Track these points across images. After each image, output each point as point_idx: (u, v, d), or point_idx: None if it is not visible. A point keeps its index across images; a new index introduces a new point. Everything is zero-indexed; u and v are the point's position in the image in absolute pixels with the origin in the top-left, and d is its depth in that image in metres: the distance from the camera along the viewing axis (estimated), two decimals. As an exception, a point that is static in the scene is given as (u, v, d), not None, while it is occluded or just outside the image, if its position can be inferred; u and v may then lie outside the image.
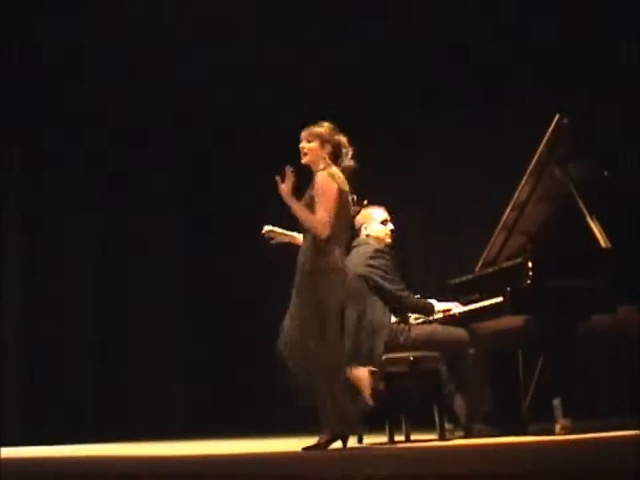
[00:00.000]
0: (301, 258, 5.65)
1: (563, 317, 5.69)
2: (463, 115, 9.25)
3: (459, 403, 6.17)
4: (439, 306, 6.30)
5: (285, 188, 5.58)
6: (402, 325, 6.16)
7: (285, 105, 10.05)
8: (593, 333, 5.82)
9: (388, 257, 6.27)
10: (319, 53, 9.62)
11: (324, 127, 5.79)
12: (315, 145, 5.75)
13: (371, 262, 6.21)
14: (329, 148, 5.76)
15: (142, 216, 11.37)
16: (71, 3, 9.19)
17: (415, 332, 6.15)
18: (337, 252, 5.60)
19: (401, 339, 6.10)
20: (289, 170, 5.57)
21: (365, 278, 6.18)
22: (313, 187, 5.68)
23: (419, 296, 6.32)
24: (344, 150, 5.80)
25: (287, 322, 5.63)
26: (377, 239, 6.40)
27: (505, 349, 6.31)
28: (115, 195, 11.35)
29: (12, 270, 10.37)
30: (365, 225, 6.43)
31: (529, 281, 5.73)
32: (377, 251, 6.28)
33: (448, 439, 5.99)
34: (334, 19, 9.36)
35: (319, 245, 5.59)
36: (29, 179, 10.49)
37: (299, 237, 5.87)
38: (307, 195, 5.71)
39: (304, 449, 5.49)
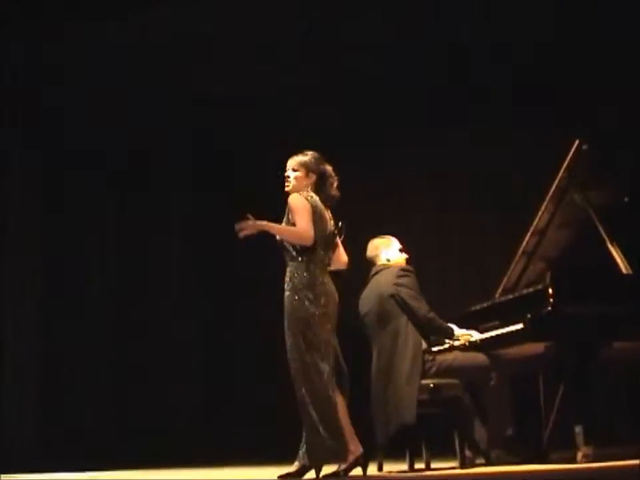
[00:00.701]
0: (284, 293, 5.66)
1: (583, 343, 5.66)
2: (484, 136, 9.24)
3: (479, 430, 6.14)
4: (458, 331, 6.27)
5: (251, 223, 5.58)
6: (426, 355, 6.14)
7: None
8: (614, 360, 5.79)
9: (413, 276, 6.25)
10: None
11: (309, 157, 5.81)
12: (299, 174, 5.78)
13: (399, 280, 6.19)
14: (313, 177, 5.79)
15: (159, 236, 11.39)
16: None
17: (438, 360, 6.12)
18: (318, 271, 5.61)
19: (425, 368, 6.08)
20: (248, 217, 5.59)
21: (394, 297, 6.16)
22: (288, 215, 5.70)
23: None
24: (329, 180, 5.83)
25: None
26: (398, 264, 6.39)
27: (525, 376, 6.27)
28: (130, 215, 11.35)
29: (29, 291, 10.44)
30: (384, 251, 6.40)
31: (549, 308, 5.70)
32: (403, 269, 6.27)
33: (468, 467, 5.94)
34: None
35: (297, 264, 5.61)
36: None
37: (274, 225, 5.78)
38: (283, 223, 5.73)
39: (280, 476, 5.54)
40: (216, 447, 9.94)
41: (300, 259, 5.62)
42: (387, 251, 6.42)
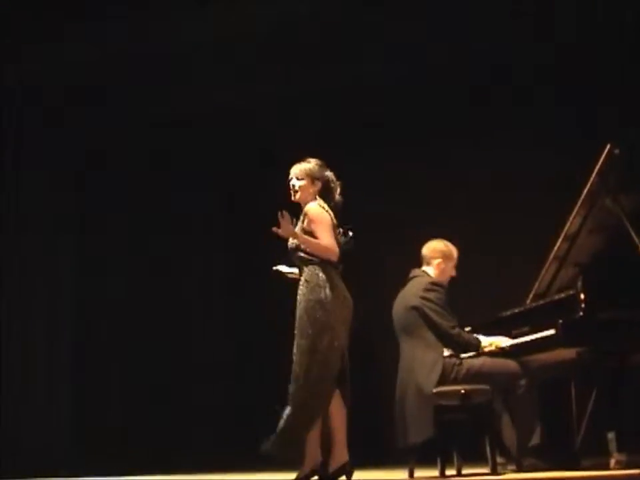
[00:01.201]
0: (299, 293, 5.66)
1: (615, 349, 5.64)
2: (513, 139, 9.20)
3: (510, 436, 6.10)
4: (485, 341, 6.24)
5: (287, 226, 5.56)
6: (453, 360, 6.13)
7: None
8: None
9: (442, 291, 6.26)
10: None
11: (312, 164, 5.82)
12: (305, 182, 5.78)
13: (425, 294, 6.20)
14: (318, 185, 5.80)
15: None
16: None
17: (466, 366, 6.10)
18: (335, 275, 5.63)
19: (453, 374, 6.06)
20: (284, 214, 5.56)
21: (417, 310, 6.17)
22: (303, 221, 5.71)
23: (468, 329, 6.30)
24: (332, 185, 5.84)
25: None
26: (439, 275, 6.40)
27: (557, 382, 6.24)
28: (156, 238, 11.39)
29: (62, 292, 10.52)
30: (440, 259, 6.41)
31: (581, 313, 5.68)
32: (432, 283, 6.27)
33: (500, 473, 5.92)
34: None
35: (314, 267, 5.62)
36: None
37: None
38: (297, 229, 5.71)
39: None
40: (243, 451, 9.93)
41: (317, 262, 5.64)
42: (443, 262, 6.42)
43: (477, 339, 6.23)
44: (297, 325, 5.60)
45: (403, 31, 9.13)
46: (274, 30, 9.22)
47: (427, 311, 6.15)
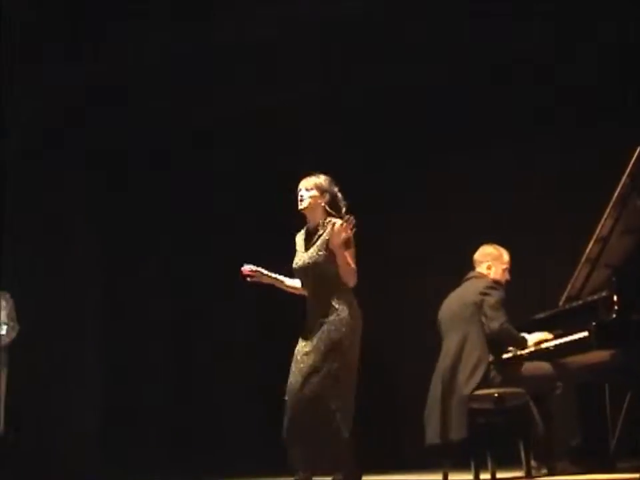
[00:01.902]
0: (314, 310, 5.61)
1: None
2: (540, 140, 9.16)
3: (545, 440, 6.09)
4: (531, 339, 6.25)
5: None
6: (494, 366, 6.13)
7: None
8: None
9: (502, 290, 6.31)
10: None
11: (322, 178, 5.79)
12: (315, 193, 5.75)
13: (485, 290, 6.24)
14: (327, 197, 5.74)
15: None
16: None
17: (505, 370, 6.12)
18: (354, 301, 5.58)
19: (490, 378, 6.07)
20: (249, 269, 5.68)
21: (476, 305, 6.21)
22: (326, 232, 5.61)
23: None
24: (339, 202, 5.78)
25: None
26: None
27: (591, 384, 6.21)
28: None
29: (91, 294, 10.60)
30: (491, 262, 6.45)
31: (614, 315, 5.66)
32: (494, 281, 6.36)
33: (534, 477, 5.91)
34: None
35: (335, 297, 5.55)
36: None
37: (284, 280, 5.83)
38: (318, 241, 5.65)
39: None
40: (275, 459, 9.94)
41: (336, 283, 5.57)
42: (493, 265, 6.46)
43: (524, 338, 6.24)
44: (314, 347, 5.50)
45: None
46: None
47: (485, 306, 6.18)
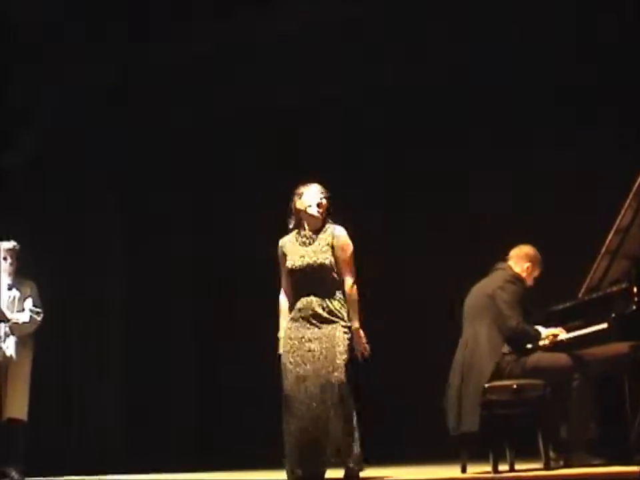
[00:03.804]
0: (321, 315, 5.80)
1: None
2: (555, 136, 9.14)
3: (563, 431, 6.07)
4: (544, 332, 6.24)
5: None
6: (509, 357, 6.11)
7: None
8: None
9: (521, 286, 6.28)
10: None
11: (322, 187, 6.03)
12: (326, 202, 5.99)
13: (503, 284, 6.24)
14: (329, 203, 6.02)
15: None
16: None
17: (522, 362, 6.09)
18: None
19: (507, 370, 6.06)
20: None
21: (491, 298, 6.20)
22: (328, 237, 5.91)
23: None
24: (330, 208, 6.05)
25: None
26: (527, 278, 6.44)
27: (610, 376, 6.18)
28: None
29: (113, 293, 10.65)
30: (526, 263, 6.45)
31: (633, 307, 5.63)
32: (513, 276, 6.33)
33: (553, 468, 5.89)
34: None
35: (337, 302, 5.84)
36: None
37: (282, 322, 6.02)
38: (320, 243, 5.91)
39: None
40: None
41: (338, 289, 5.88)
42: (530, 266, 6.45)
43: (537, 330, 6.23)
44: (323, 349, 5.74)
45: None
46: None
47: (499, 301, 6.17)
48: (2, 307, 7.93)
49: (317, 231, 5.97)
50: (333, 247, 5.88)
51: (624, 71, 8.53)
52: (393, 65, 9.76)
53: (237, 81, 10.28)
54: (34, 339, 8.20)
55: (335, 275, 5.88)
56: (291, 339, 5.82)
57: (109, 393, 10.41)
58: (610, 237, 6.23)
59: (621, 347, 5.82)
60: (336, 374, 5.65)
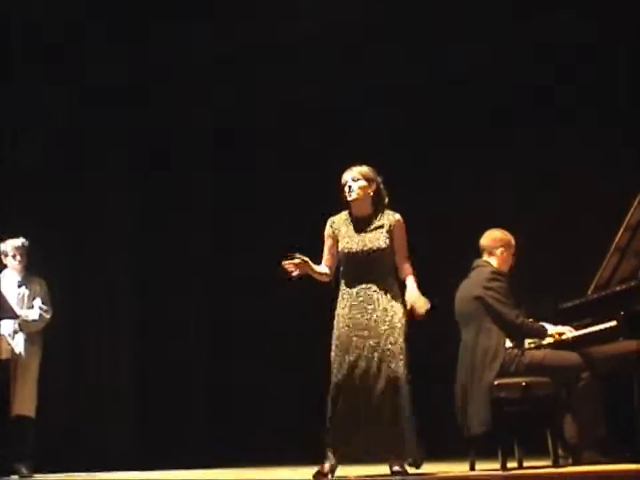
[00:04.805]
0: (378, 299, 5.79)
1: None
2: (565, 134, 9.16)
3: (571, 429, 6.06)
4: (551, 329, 6.20)
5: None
6: (515, 351, 6.09)
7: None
8: None
9: (505, 280, 6.23)
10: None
11: (367, 167, 5.94)
12: (364, 183, 5.89)
13: (487, 284, 6.17)
14: (373, 187, 5.91)
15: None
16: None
17: (527, 358, 6.06)
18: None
19: (513, 366, 6.03)
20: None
21: (481, 300, 6.15)
22: (387, 223, 5.87)
23: (531, 320, 6.25)
24: (383, 192, 5.97)
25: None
26: (501, 265, 6.37)
27: (619, 374, 6.16)
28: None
29: (121, 289, 10.69)
30: (501, 249, 6.38)
31: (643, 305, 5.63)
32: (494, 272, 6.24)
33: (562, 466, 5.88)
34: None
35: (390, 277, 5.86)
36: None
37: (315, 267, 5.91)
38: (378, 229, 5.88)
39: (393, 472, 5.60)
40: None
41: (391, 274, 5.87)
42: (506, 251, 6.40)
43: (543, 326, 6.19)
44: (381, 331, 5.73)
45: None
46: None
47: (490, 300, 6.12)
48: (11, 304, 7.94)
49: (370, 216, 5.91)
50: (390, 232, 5.84)
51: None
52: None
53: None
54: (43, 336, 8.21)
55: (390, 261, 5.86)
56: (348, 326, 5.78)
57: (120, 390, 10.41)
58: (619, 234, 6.22)
59: (629, 345, 5.80)
60: (392, 361, 5.64)
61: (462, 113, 9.76)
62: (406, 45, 9.65)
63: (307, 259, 5.80)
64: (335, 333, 5.82)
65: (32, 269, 8.24)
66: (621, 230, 6.21)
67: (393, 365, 5.63)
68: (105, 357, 10.39)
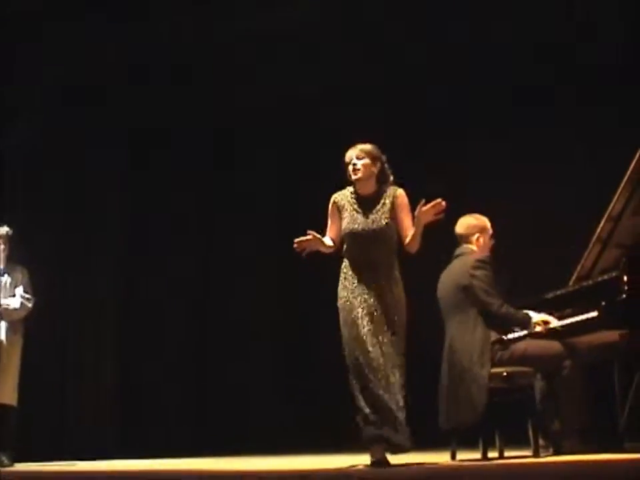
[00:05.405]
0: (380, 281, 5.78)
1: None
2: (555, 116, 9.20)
3: (553, 419, 6.07)
4: (536, 317, 6.19)
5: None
6: (497, 345, 6.10)
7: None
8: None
9: (489, 267, 6.21)
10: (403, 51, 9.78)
11: (371, 146, 5.91)
12: (367, 161, 5.85)
13: (473, 272, 6.17)
14: (378, 166, 5.87)
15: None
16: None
17: (510, 349, 6.08)
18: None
19: (497, 357, 6.05)
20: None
21: (467, 290, 6.15)
22: (389, 200, 5.84)
23: (515, 309, 6.25)
24: (387, 171, 5.93)
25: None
26: (482, 250, 6.37)
27: (600, 364, 6.19)
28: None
29: (105, 291, 10.66)
30: (477, 234, 6.38)
31: (624, 295, 5.63)
32: (478, 260, 6.23)
33: (542, 456, 5.90)
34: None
35: (394, 257, 5.85)
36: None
37: (324, 241, 5.90)
38: (382, 208, 5.84)
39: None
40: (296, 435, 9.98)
41: (394, 254, 5.86)
42: (482, 237, 6.39)
43: (527, 314, 6.18)
44: (385, 314, 5.74)
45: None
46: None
47: (477, 290, 6.11)
48: (-6, 292, 7.92)
49: (374, 195, 5.89)
50: (392, 208, 5.82)
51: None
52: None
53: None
54: (24, 324, 8.19)
55: (394, 240, 5.82)
56: (346, 300, 5.80)
57: (102, 376, 10.40)
58: (601, 224, 6.23)
59: (610, 335, 5.81)
60: (395, 338, 5.69)
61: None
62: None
63: (317, 235, 5.80)
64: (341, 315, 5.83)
65: (14, 257, 8.20)
66: (603, 221, 6.22)
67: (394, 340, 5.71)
68: (87, 346, 10.35)
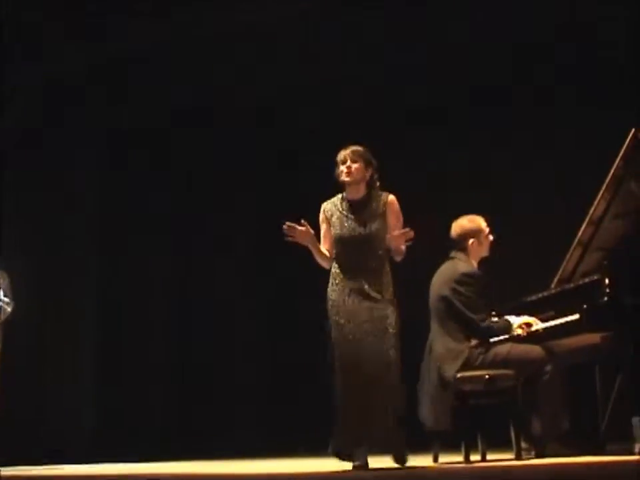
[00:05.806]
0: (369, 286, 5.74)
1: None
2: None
3: (535, 422, 6.08)
4: (516, 322, 6.20)
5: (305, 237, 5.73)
6: (479, 349, 6.11)
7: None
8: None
9: (474, 282, 6.20)
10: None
11: (364, 149, 5.88)
12: (360, 165, 5.81)
13: (456, 287, 6.16)
14: (370, 170, 5.84)
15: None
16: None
17: (491, 353, 6.08)
18: None
19: (478, 361, 6.06)
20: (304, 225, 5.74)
21: (447, 301, 6.16)
22: (380, 205, 5.81)
23: (496, 319, 6.27)
24: (376, 176, 5.92)
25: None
26: (475, 256, 6.37)
27: (582, 366, 6.21)
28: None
29: (87, 290, 10.62)
30: (470, 239, 6.36)
31: (605, 298, 5.64)
32: (464, 275, 6.21)
33: (524, 458, 5.90)
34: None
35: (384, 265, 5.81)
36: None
37: (320, 247, 5.88)
38: (372, 213, 5.81)
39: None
40: (277, 439, 9.97)
41: (384, 260, 5.83)
42: (477, 240, 6.37)
43: (507, 321, 6.20)
44: (374, 318, 5.70)
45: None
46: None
47: (457, 304, 6.13)
48: (-28, 297, 7.87)
49: (364, 200, 5.85)
50: (383, 214, 5.80)
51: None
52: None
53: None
54: (3, 329, 8.13)
55: (383, 246, 5.78)
56: (336, 304, 5.77)
57: (82, 383, 10.37)
58: (583, 228, 6.24)
59: (592, 338, 5.84)
60: (385, 341, 5.66)
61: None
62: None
63: (311, 231, 5.77)
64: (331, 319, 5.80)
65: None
66: (584, 224, 6.23)
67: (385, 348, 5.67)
68: (67, 350, 10.31)
